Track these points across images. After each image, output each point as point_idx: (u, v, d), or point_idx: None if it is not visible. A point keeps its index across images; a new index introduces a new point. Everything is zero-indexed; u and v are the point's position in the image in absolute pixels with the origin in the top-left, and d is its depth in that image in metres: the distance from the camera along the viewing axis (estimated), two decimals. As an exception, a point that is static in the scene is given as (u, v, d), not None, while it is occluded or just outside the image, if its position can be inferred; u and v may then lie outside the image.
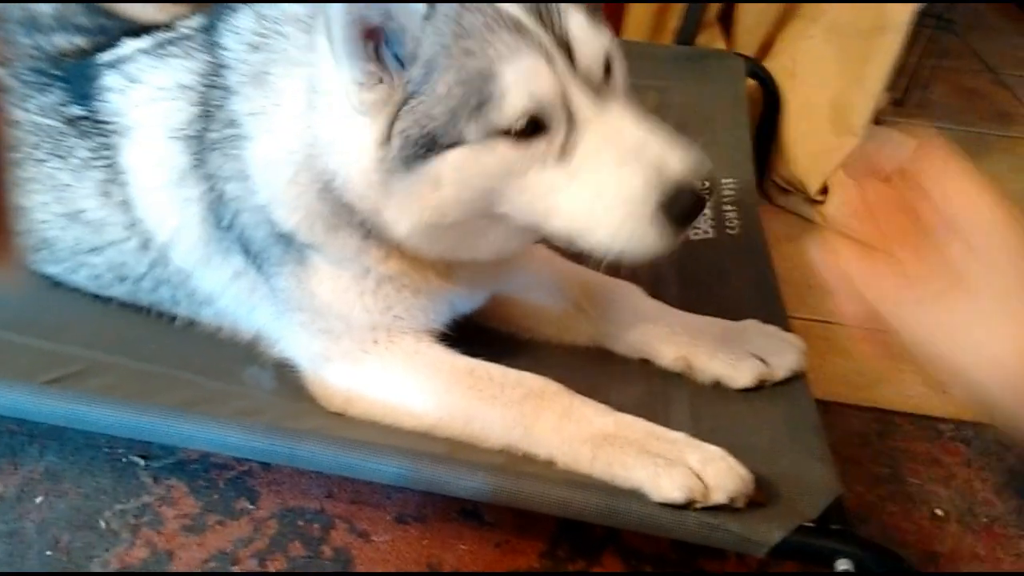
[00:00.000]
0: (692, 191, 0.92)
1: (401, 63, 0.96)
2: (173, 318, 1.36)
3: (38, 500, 1.32)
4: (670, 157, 0.93)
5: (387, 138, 0.98)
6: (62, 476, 1.36)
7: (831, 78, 2.22)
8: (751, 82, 2.31)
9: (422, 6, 0.93)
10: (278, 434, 1.14)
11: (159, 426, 1.16)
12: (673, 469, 1.02)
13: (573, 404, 1.11)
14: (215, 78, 1.18)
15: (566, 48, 0.93)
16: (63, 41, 1.34)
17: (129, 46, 1.30)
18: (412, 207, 1.01)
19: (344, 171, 1.05)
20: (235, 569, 1.25)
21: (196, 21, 1.27)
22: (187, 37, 1.25)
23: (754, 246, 1.59)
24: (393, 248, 1.12)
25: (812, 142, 2.24)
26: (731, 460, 1.03)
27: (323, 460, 1.16)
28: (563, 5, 0.94)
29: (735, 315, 1.33)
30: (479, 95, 0.92)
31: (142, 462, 1.39)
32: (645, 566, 1.29)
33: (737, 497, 1.01)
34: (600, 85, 0.97)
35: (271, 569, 1.25)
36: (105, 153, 1.27)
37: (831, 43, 2.23)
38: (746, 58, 2.34)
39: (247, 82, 1.14)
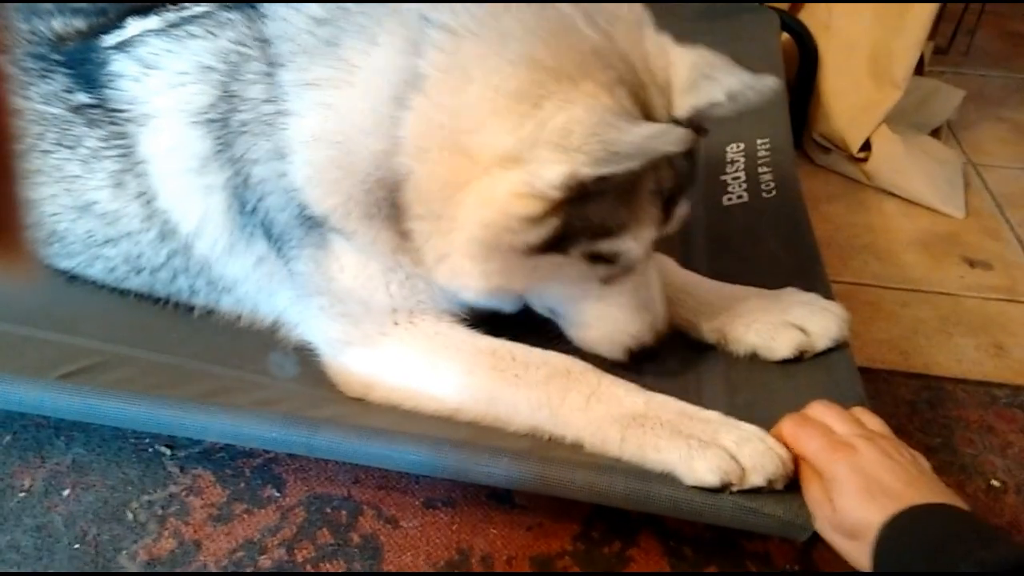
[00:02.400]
0: (654, 349, 1.14)
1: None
2: (191, 309, 1.34)
3: (65, 493, 1.31)
4: (659, 318, 1.14)
5: (539, 220, 0.97)
6: (89, 468, 1.35)
7: (869, 29, 2.13)
8: (786, 37, 2.21)
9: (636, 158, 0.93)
10: (297, 423, 1.11)
11: (177, 419, 1.14)
12: (707, 450, 0.97)
13: (601, 383, 1.07)
14: (252, 52, 1.13)
15: (666, 222, 1.07)
16: (61, 24, 1.31)
17: (136, 26, 1.25)
18: (494, 272, 1.03)
19: (451, 207, 1.01)
20: (262, 558, 1.23)
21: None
22: (206, 15, 1.20)
23: (791, 209, 1.51)
24: None
25: (852, 97, 2.15)
26: (770, 440, 0.98)
27: (344, 449, 1.13)
28: (687, 192, 1.08)
29: (772, 283, 1.26)
30: (605, 231, 1.01)
31: (168, 452, 1.37)
32: (684, 548, 1.24)
33: (776, 479, 0.96)
34: None
35: (298, 558, 1.23)
36: (118, 143, 1.23)
37: (869, -8, 2.12)
38: (780, 12, 2.24)
39: (301, 53, 1.09)
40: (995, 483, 1.38)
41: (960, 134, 2.40)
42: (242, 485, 1.33)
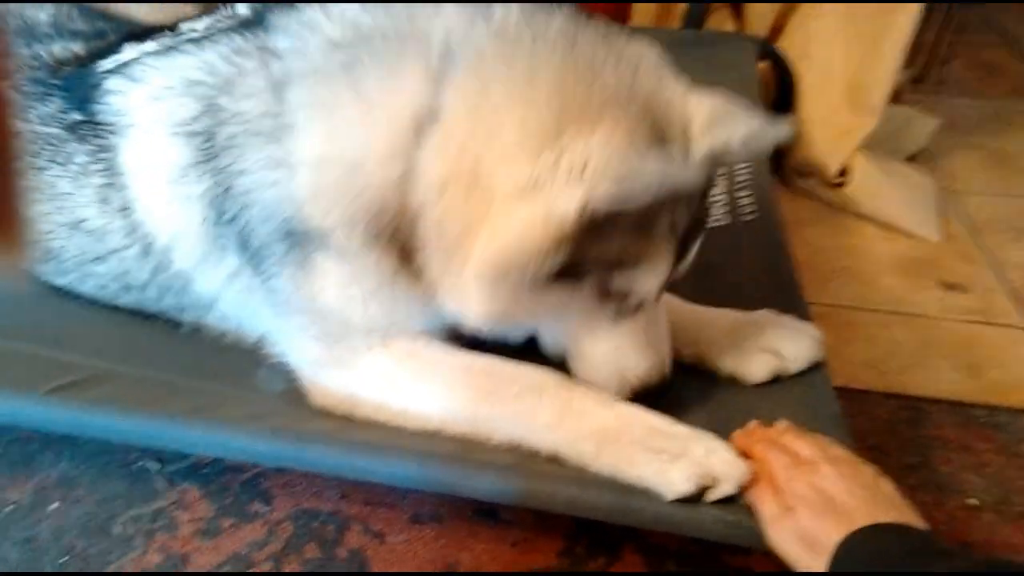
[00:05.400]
0: (659, 390, 1.13)
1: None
2: (180, 325, 1.34)
3: (53, 507, 1.32)
4: (665, 360, 1.13)
5: (553, 252, 0.96)
6: (76, 482, 1.36)
7: (846, 57, 2.18)
8: (764, 64, 2.26)
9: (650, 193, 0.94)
10: (285, 437, 1.13)
11: (165, 433, 1.15)
12: (679, 461, 1.00)
13: (573, 397, 1.09)
14: (250, 65, 1.13)
15: (679, 261, 1.06)
16: (60, 49, 1.32)
17: (133, 50, 1.26)
18: (500, 303, 1.03)
19: (466, 239, 1.02)
20: (250, 573, 1.23)
21: (207, 21, 1.23)
22: (202, 34, 1.21)
23: (769, 231, 1.55)
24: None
25: (829, 123, 2.20)
26: (734, 452, 1.02)
27: (331, 462, 1.14)
28: (701, 231, 1.09)
29: (751, 304, 1.28)
30: (619, 265, 1.01)
31: (156, 467, 1.38)
32: (667, 562, 1.26)
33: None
34: None
35: (286, 572, 1.23)
36: (103, 156, 1.25)
37: (844, 21, 2.19)
38: (759, 39, 2.29)
39: (314, 73, 1.09)
40: (972, 501, 1.41)
41: (935, 161, 2.45)
42: (229, 500, 1.34)
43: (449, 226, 1.02)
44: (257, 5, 1.21)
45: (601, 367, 1.11)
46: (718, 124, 1.00)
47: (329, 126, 1.07)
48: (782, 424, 1.07)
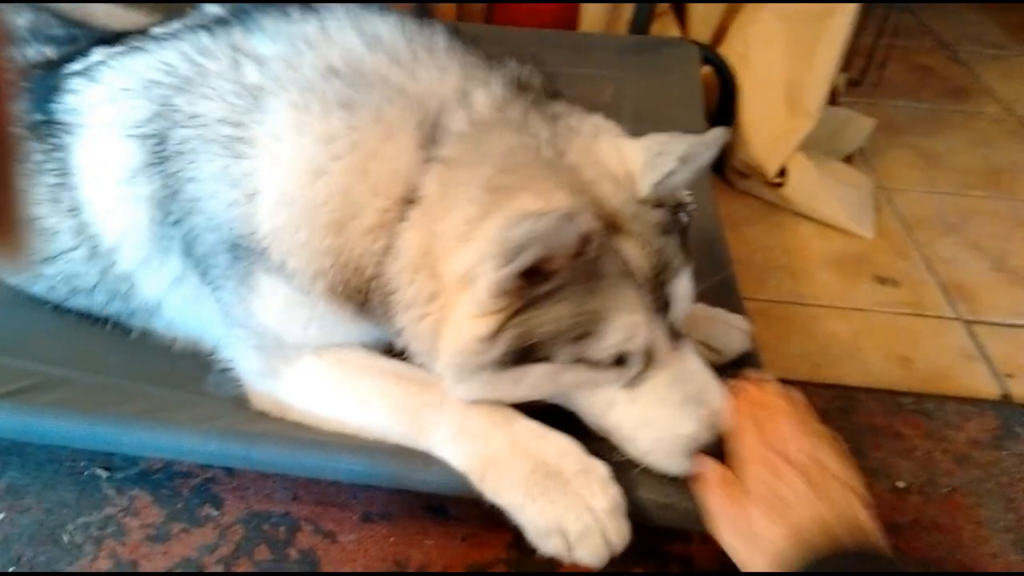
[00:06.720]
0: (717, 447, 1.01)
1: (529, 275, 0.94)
2: (130, 331, 1.35)
3: (0, 516, 1.31)
4: (720, 408, 1.01)
5: (493, 337, 0.95)
6: (24, 491, 1.35)
7: (784, 61, 2.26)
8: (707, 69, 2.33)
9: (576, 237, 0.91)
10: (234, 437, 1.15)
11: (113, 435, 1.16)
12: (546, 504, 1.00)
13: (470, 417, 1.06)
14: (215, 67, 1.11)
15: (666, 305, 1.00)
16: (34, 53, 1.33)
17: (100, 53, 1.26)
18: (477, 390, 1.03)
19: (437, 340, 1.01)
20: None
21: (177, 24, 1.23)
22: (170, 35, 1.21)
23: (709, 231, 1.60)
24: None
25: (768, 126, 2.27)
26: (612, 495, 1.00)
27: (280, 461, 1.16)
28: (679, 270, 1.02)
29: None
30: (585, 328, 0.95)
31: (105, 474, 1.38)
32: (611, 551, 1.30)
33: (603, 559, 1.00)
34: (679, 329, 1.04)
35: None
36: (56, 155, 1.24)
37: (782, 26, 2.26)
38: (700, 45, 2.35)
39: (301, 91, 1.05)
40: (900, 484, 1.48)
41: (871, 160, 2.54)
42: (179, 505, 1.34)
43: (424, 328, 1.01)
44: (239, 5, 1.18)
45: (642, 439, 1.03)
46: (655, 159, 1.01)
47: (313, 166, 1.03)
48: (774, 389, 1.02)
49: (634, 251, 0.98)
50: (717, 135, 1.01)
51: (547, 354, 0.96)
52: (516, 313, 0.94)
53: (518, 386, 1.01)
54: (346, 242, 1.03)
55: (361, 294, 1.06)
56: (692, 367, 1.03)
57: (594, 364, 0.98)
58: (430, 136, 1.02)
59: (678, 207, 1.06)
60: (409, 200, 1.01)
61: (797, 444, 0.93)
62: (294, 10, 1.14)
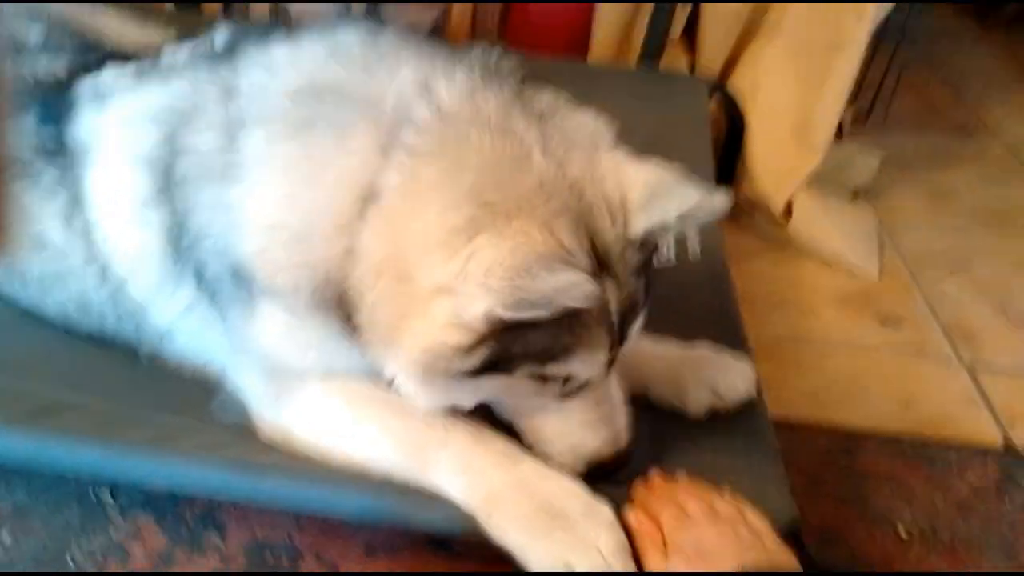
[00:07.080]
0: (615, 463, 1.13)
1: None
2: (139, 355, 1.34)
3: (5, 538, 1.32)
4: (620, 435, 1.13)
5: (469, 350, 0.96)
6: (30, 514, 1.36)
7: (791, 96, 2.26)
8: (714, 104, 2.34)
9: (583, 303, 0.95)
10: (240, 470, 1.15)
11: (117, 464, 1.17)
12: (551, 544, 1.02)
13: (475, 455, 1.09)
14: (207, 101, 1.13)
15: (622, 341, 1.06)
16: (44, 68, 1.33)
17: (111, 74, 1.28)
18: (438, 395, 1.06)
19: (396, 333, 1.02)
20: (203, 605, 1.25)
21: (184, 53, 1.25)
22: (177, 63, 1.24)
23: (714, 267, 1.61)
24: None
25: (775, 160, 2.28)
26: (617, 536, 1.03)
27: (284, 496, 1.17)
28: (640, 310, 1.08)
29: (693, 335, 1.34)
30: (550, 355, 1.00)
31: (111, 498, 1.39)
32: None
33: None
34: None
35: (239, 604, 1.26)
36: (69, 175, 1.25)
37: (790, 61, 2.27)
38: (709, 80, 2.37)
39: (272, 121, 1.08)
40: (901, 531, 1.48)
41: (878, 196, 2.55)
42: (184, 531, 1.35)
43: (381, 315, 1.02)
44: (240, 32, 1.21)
45: (552, 444, 1.11)
46: (654, 200, 1.01)
47: (278, 190, 1.07)
48: (681, 478, 1.13)
49: (612, 293, 1.00)
50: (721, 202, 1.01)
51: (509, 368, 1.00)
52: (496, 333, 0.95)
53: (476, 392, 1.07)
54: (312, 251, 1.05)
55: (342, 307, 1.06)
56: (612, 391, 1.12)
57: (545, 379, 1.04)
58: (390, 131, 1.02)
59: (655, 249, 1.10)
60: (366, 198, 1.01)
61: (704, 503, 1.06)
62: (275, 36, 1.17)
